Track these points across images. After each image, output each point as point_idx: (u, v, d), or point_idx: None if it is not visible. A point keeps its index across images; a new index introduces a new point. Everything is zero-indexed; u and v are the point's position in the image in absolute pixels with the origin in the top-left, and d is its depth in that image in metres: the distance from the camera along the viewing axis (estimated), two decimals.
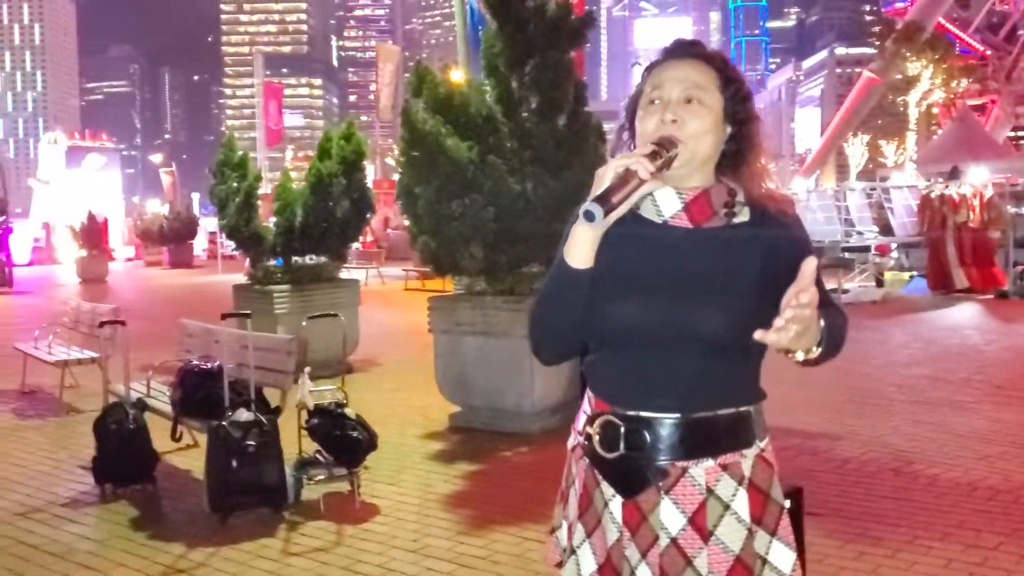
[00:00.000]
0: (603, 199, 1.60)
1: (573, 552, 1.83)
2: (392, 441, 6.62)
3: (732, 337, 1.68)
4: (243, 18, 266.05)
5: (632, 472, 1.72)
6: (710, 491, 1.71)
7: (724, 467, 1.72)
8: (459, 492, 5.45)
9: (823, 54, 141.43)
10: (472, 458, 6.13)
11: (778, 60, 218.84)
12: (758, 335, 1.51)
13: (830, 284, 15.74)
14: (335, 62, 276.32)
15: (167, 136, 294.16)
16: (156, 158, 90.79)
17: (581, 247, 1.69)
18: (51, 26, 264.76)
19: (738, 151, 1.79)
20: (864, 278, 17.03)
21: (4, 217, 27.64)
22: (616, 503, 1.74)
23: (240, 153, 9.98)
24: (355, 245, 27.82)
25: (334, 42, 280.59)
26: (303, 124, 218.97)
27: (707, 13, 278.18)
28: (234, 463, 4.93)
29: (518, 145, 6.69)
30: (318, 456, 5.34)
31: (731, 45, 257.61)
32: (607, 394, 1.78)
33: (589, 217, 1.60)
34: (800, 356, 1.62)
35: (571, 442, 1.88)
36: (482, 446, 6.41)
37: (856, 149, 68.97)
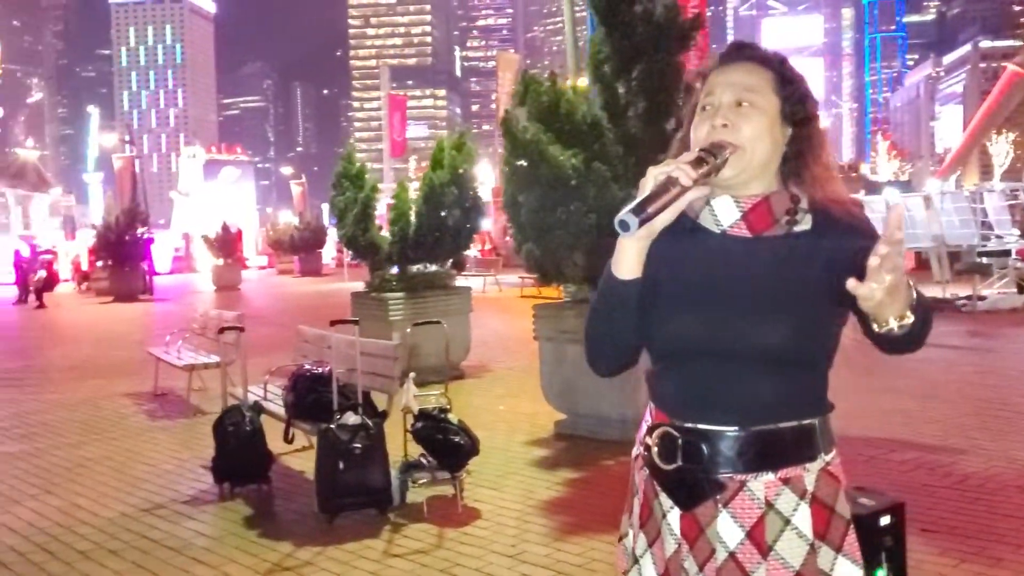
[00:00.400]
0: (639, 208, 1.57)
1: (636, 561, 1.82)
2: (498, 447, 6.69)
3: (794, 351, 1.64)
4: (370, 32, 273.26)
5: (689, 485, 1.69)
6: (770, 505, 1.66)
7: (785, 481, 1.67)
8: (560, 499, 5.46)
9: (965, 48, 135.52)
10: (574, 465, 6.13)
11: (915, 56, 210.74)
12: (850, 284, 1.39)
13: (965, 291, 15.08)
14: (458, 72, 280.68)
15: (299, 148, 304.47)
16: (287, 170, 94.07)
17: (627, 258, 1.67)
18: (191, 46, 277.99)
19: (800, 153, 1.73)
20: (1004, 284, 16.21)
21: (145, 228, 29.07)
22: (674, 515, 1.72)
23: (358, 165, 10.25)
24: (473, 253, 28.26)
25: (457, 53, 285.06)
26: (427, 135, 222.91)
27: (839, 10, 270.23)
28: (341, 465, 5.08)
29: (624, 151, 6.67)
30: (422, 460, 5.44)
31: (865, 42, 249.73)
32: (665, 406, 1.76)
33: (624, 227, 1.57)
34: (894, 324, 1.45)
35: (634, 451, 1.87)
36: (585, 453, 6.40)
37: (1000, 148, 65.84)
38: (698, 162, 1.62)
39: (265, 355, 9.81)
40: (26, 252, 31.50)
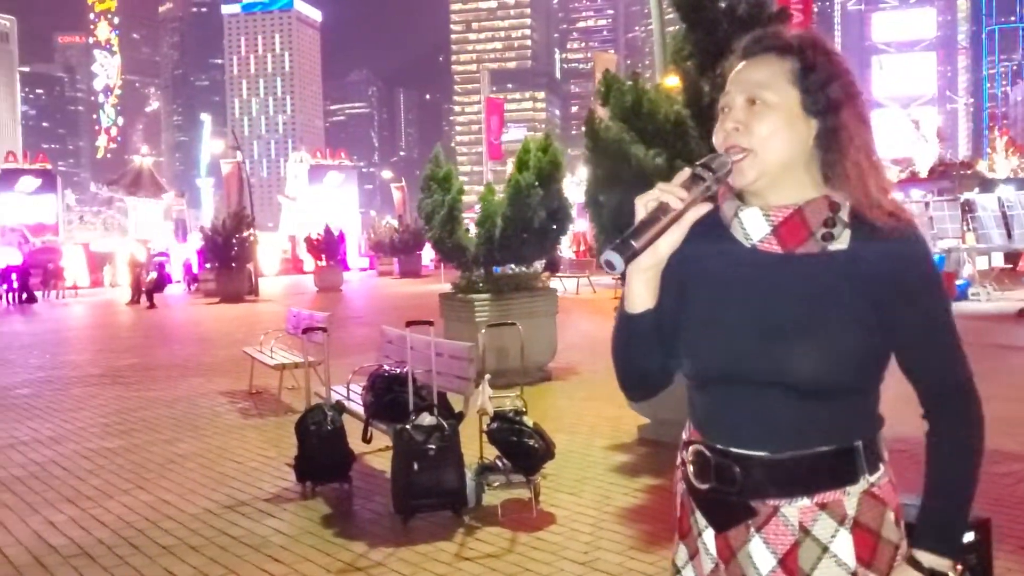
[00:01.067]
0: (624, 245, 1.46)
1: (678, 572, 1.74)
2: (578, 451, 6.63)
3: (825, 381, 1.52)
4: (471, 37, 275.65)
5: (722, 506, 1.61)
6: (805, 531, 1.55)
7: (822, 506, 1.55)
8: (637, 506, 5.36)
9: None
10: (654, 472, 6.02)
11: None
12: None
13: None
14: (558, 74, 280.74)
15: (401, 153, 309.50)
16: (387, 174, 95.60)
17: (634, 291, 1.58)
18: (299, 54, 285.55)
19: (827, 148, 1.55)
20: None
21: (251, 231, 29.89)
22: (709, 533, 1.64)
23: (446, 167, 10.31)
24: (568, 254, 28.07)
25: (557, 55, 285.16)
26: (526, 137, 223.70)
27: (954, 2, 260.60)
28: (415, 466, 5.09)
29: (708, 150, 6.50)
30: (497, 462, 5.41)
31: (982, 35, 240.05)
32: (698, 425, 1.67)
33: (609, 267, 1.46)
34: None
35: (678, 460, 1.78)
36: (666, 460, 6.26)
37: None
38: (693, 179, 1.50)
39: (358, 355, 9.97)
40: (140, 255, 32.82)
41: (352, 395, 6.64)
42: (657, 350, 1.63)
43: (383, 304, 24.19)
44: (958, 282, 16.23)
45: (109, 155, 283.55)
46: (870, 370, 1.58)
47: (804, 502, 1.55)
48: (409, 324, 5.89)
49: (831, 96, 1.56)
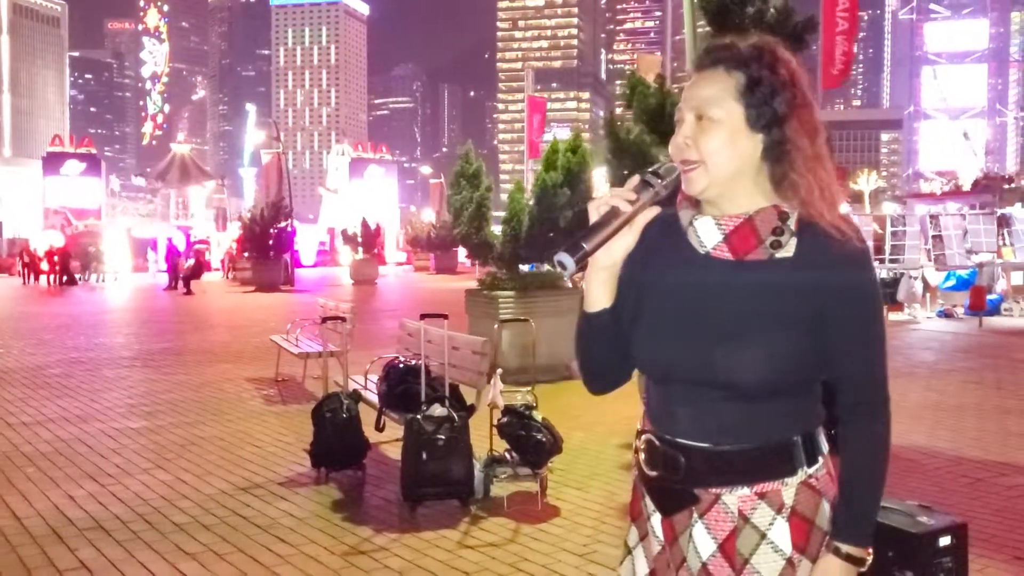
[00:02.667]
0: (575, 247, 1.52)
1: (630, 552, 1.82)
2: (592, 448, 6.69)
3: (767, 383, 1.59)
4: (517, 35, 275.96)
5: (668, 493, 1.70)
6: (745, 519, 1.63)
7: (761, 495, 1.63)
8: None
9: None
10: None
11: None
12: None
13: None
14: (603, 75, 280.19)
15: (444, 149, 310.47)
16: (426, 169, 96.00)
17: (592, 291, 1.67)
18: (344, 47, 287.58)
19: (775, 161, 1.61)
20: None
21: (289, 221, 30.25)
22: (657, 517, 1.73)
23: (475, 164, 10.41)
24: None
25: (603, 55, 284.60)
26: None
27: (1007, 14, 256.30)
28: (424, 455, 5.19)
29: None
30: (506, 455, 5.50)
31: None
32: (649, 415, 1.76)
33: (561, 266, 1.53)
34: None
35: (632, 450, 1.87)
36: None
37: None
38: (643, 185, 1.57)
39: (383, 347, 10.09)
40: (180, 242, 33.29)
41: (369, 385, 6.76)
42: (615, 347, 1.72)
43: (415, 298, 24.37)
44: (990, 297, 16.05)
45: (155, 142, 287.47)
46: (810, 371, 1.64)
47: (744, 491, 1.63)
48: (424, 317, 5.98)
49: (776, 110, 1.60)
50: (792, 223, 1.62)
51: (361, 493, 5.73)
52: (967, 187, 42.67)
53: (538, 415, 5.43)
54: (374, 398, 6.31)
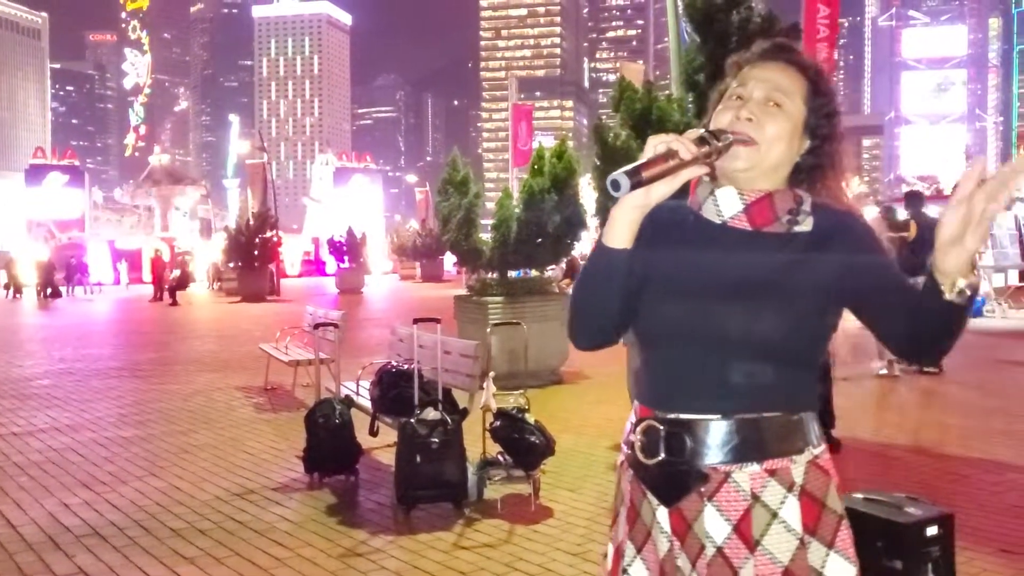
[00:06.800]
0: (634, 171, 1.54)
1: (624, 572, 1.78)
2: (582, 451, 6.75)
3: (780, 344, 1.63)
4: (500, 44, 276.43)
5: (672, 478, 1.67)
6: (756, 497, 1.62)
7: (771, 472, 1.63)
8: None
9: None
10: None
11: None
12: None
13: None
14: (586, 83, 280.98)
15: (428, 158, 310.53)
16: (411, 178, 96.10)
17: (619, 226, 1.64)
18: (328, 58, 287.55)
19: (816, 167, 1.74)
20: None
21: (274, 232, 30.21)
22: (663, 513, 1.69)
23: (463, 172, 10.48)
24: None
25: (586, 64, 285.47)
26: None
27: (986, 20, 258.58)
28: (418, 458, 5.24)
29: None
30: (499, 457, 5.56)
31: (1014, 53, 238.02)
32: (650, 399, 1.74)
33: (615, 186, 1.54)
34: (962, 284, 1.46)
35: (619, 459, 1.86)
36: None
37: None
38: (700, 141, 1.61)
39: (371, 354, 10.13)
40: (165, 253, 33.17)
41: (361, 390, 6.80)
42: (621, 294, 1.69)
43: (402, 307, 24.39)
44: None
45: (137, 153, 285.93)
46: (820, 341, 1.70)
47: (754, 468, 1.63)
48: (416, 321, 6.04)
49: (833, 126, 1.74)
50: (807, 206, 1.72)
51: (355, 497, 5.77)
52: (948, 191, 43.19)
53: (530, 418, 5.49)
54: (367, 403, 6.35)
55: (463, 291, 11.19)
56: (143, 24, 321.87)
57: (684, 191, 1.73)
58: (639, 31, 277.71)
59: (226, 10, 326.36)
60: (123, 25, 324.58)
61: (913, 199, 10.59)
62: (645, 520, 1.74)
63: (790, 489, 1.63)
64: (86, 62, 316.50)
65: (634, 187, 1.54)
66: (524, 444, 5.38)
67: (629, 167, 1.55)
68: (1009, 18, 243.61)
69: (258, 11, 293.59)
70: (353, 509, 5.52)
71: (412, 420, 5.36)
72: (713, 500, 1.64)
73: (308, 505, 5.57)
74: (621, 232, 1.64)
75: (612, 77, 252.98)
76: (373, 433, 5.98)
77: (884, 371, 9.77)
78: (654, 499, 1.70)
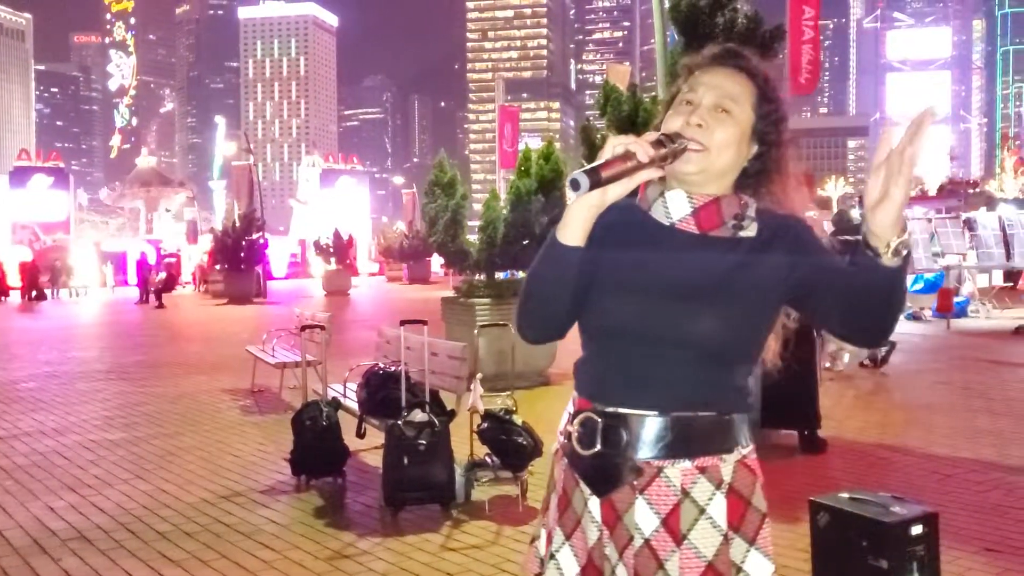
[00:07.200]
0: (593, 172, 1.57)
1: (552, 557, 1.83)
2: None
3: (720, 345, 1.68)
4: (487, 45, 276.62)
5: (606, 469, 1.71)
6: (685, 493, 1.68)
7: (702, 469, 1.68)
8: None
9: None
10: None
11: None
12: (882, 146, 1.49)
13: None
14: (573, 85, 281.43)
15: (415, 159, 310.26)
16: (398, 179, 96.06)
17: (573, 223, 1.66)
18: (314, 59, 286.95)
19: (763, 172, 1.78)
20: None
21: (261, 234, 30.13)
22: (595, 502, 1.74)
23: (450, 173, 10.48)
24: None
25: (572, 66, 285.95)
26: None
27: (969, 22, 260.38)
28: (405, 460, 5.24)
29: None
30: (487, 459, 5.56)
31: (997, 54, 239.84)
32: (590, 392, 1.78)
33: (574, 186, 1.57)
34: (896, 242, 1.49)
35: (553, 447, 1.90)
36: None
37: None
38: (657, 144, 1.64)
39: (359, 356, 10.09)
40: (151, 255, 33.04)
41: (348, 393, 6.80)
42: (571, 290, 1.71)
43: (389, 308, 24.36)
44: (957, 299, 16.32)
45: (123, 153, 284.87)
46: (757, 345, 1.75)
47: (686, 464, 1.68)
48: (404, 323, 6.04)
49: (780, 132, 1.78)
50: (751, 212, 1.76)
51: (343, 499, 5.77)
52: (933, 192, 43.41)
53: (518, 419, 5.50)
54: (354, 405, 6.35)
55: (450, 293, 11.19)
56: (128, 25, 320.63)
57: (633, 191, 1.76)
58: (625, 33, 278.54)
59: (212, 11, 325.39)
60: (108, 26, 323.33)
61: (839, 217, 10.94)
62: (576, 508, 1.78)
63: (718, 487, 1.69)
64: (71, 64, 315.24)
65: (593, 187, 1.58)
66: (511, 445, 5.38)
67: (588, 167, 1.59)
68: (993, 20, 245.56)
69: (244, 12, 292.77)
70: (340, 511, 5.51)
71: (399, 422, 5.36)
72: (644, 493, 1.69)
73: (295, 508, 5.56)
74: (576, 230, 1.67)
75: (599, 79, 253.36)
76: (360, 435, 5.98)
77: (828, 365, 9.96)
78: (586, 489, 1.75)
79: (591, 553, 1.76)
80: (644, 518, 1.69)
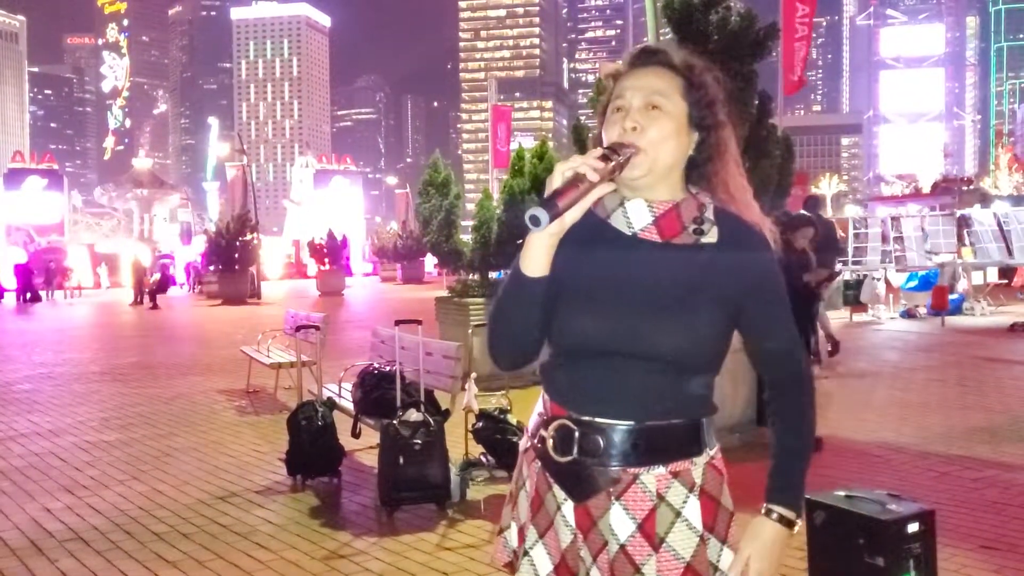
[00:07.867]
0: (549, 203, 1.57)
1: (527, 553, 1.83)
2: None
3: (689, 355, 1.69)
4: (480, 45, 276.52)
5: (583, 477, 1.72)
6: (661, 498, 1.70)
7: (675, 474, 1.71)
8: None
9: None
10: None
11: None
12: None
13: None
14: (566, 84, 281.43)
15: (408, 159, 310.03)
16: (391, 180, 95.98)
17: (535, 255, 1.67)
18: (307, 60, 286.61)
19: (707, 159, 1.78)
20: None
21: (254, 235, 30.09)
22: (569, 506, 1.75)
23: (444, 173, 10.47)
24: None
25: (565, 65, 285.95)
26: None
27: (963, 18, 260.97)
28: (401, 460, 5.24)
29: None
30: (482, 458, 5.57)
31: (991, 51, 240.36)
32: (563, 399, 1.77)
33: (535, 222, 1.56)
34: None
35: (523, 444, 1.90)
36: None
37: None
38: (604, 158, 1.64)
39: (353, 357, 10.12)
40: (145, 257, 32.98)
41: (343, 393, 6.80)
42: (540, 318, 1.72)
43: (383, 309, 24.35)
44: (952, 296, 16.35)
45: (118, 154, 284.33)
46: (720, 352, 1.77)
47: (660, 470, 1.70)
48: (398, 323, 6.04)
49: (715, 115, 1.77)
50: (710, 213, 1.76)
51: (338, 499, 5.77)
52: (927, 189, 43.51)
53: (513, 418, 5.51)
54: (349, 405, 6.35)
55: (444, 293, 11.19)
56: (121, 27, 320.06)
57: None
58: (618, 31, 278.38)
59: (204, 12, 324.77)
60: (101, 28, 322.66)
61: (812, 203, 11.21)
62: (548, 510, 1.79)
63: (691, 489, 1.72)
64: (64, 65, 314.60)
65: (552, 219, 1.57)
66: (506, 445, 5.39)
67: (543, 199, 1.59)
68: (986, 16, 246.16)
69: (236, 13, 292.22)
70: (336, 511, 5.52)
71: (394, 422, 5.36)
72: (621, 500, 1.71)
73: (291, 508, 5.56)
74: (538, 260, 1.67)
75: (592, 78, 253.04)
76: (356, 435, 5.98)
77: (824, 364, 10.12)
78: (560, 492, 1.76)
79: (564, 554, 1.77)
80: (620, 523, 1.70)
